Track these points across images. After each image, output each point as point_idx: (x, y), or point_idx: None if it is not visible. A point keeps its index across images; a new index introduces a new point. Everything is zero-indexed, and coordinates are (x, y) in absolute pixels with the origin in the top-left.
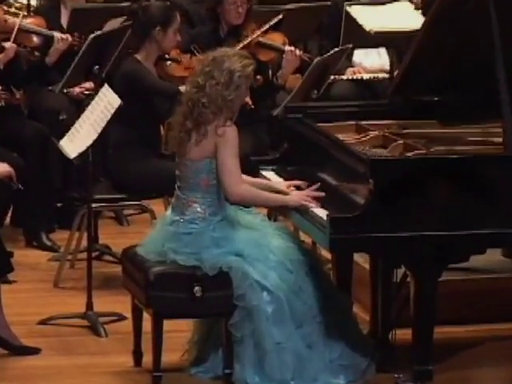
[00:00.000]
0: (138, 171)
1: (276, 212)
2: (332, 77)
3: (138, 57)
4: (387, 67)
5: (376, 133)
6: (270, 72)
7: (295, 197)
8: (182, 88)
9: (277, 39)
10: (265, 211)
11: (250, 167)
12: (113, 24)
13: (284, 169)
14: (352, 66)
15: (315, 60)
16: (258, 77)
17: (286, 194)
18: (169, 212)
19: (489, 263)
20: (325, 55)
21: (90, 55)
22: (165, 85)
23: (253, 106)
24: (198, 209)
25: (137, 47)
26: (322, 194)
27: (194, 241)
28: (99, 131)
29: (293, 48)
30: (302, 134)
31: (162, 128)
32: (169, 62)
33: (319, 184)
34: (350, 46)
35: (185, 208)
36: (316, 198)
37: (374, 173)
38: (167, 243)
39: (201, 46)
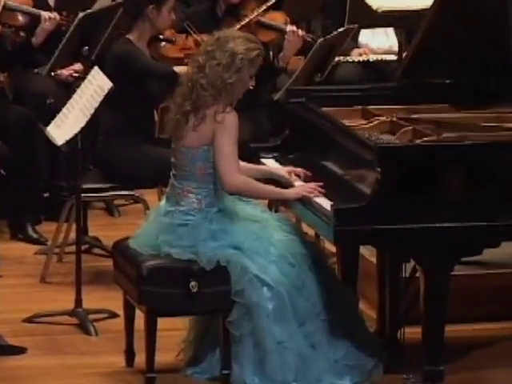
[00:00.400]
0: (130, 159)
1: (277, 203)
2: (337, 58)
3: (130, 37)
4: (395, 48)
5: (384, 118)
6: (271, 54)
7: (296, 189)
8: (177, 69)
9: (278, 19)
10: (265, 202)
11: (250, 154)
12: (103, 2)
13: (285, 156)
14: (358, 47)
15: (319, 41)
16: None
17: (287, 180)
18: (163, 202)
19: (503, 257)
20: (329, 36)
21: (78, 35)
22: (158, 66)
23: (251, 87)
24: (194, 199)
25: (129, 27)
26: (323, 191)
27: (190, 233)
28: (89, 116)
29: (295, 28)
30: (304, 119)
31: (155, 113)
32: (163, 43)
33: (322, 184)
34: (356, 25)
35: (180, 198)
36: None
37: (382, 161)
38: (161, 235)
39: (197, 26)
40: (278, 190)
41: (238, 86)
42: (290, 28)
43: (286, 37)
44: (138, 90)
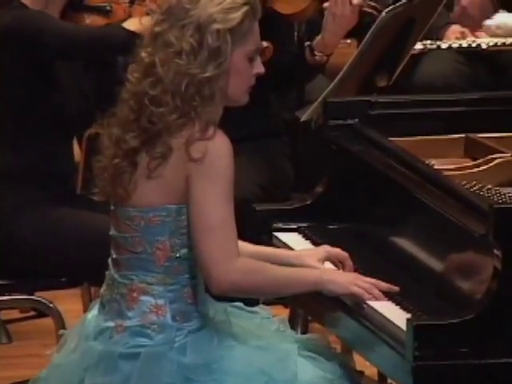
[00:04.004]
0: (28, 233)
1: (305, 312)
2: (419, 45)
3: (26, 1)
4: None
5: (508, 156)
6: (296, 36)
7: (348, 277)
8: (130, 24)
9: None
10: (286, 313)
11: (256, 226)
12: None
13: (322, 227)
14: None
15: (384, 12)
16: (266, 44)
17: None
18: (93, 313)
19: None
20: (402, 2)
21: None
22: (100, 32)
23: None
24: (152, 306)
25: None
26: (396, 288)
27: (143, 372)
28: None
29: None
30: (357, 157)
31: (78, 146)
32: (89, 14)
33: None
34: None
35: (126, 304)
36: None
37: (504, 236)
38: (89, 377)
39: None
40: (310, 273)
41: (222, 82)
42: None
43: (326, 8)
44: (44, 95)
